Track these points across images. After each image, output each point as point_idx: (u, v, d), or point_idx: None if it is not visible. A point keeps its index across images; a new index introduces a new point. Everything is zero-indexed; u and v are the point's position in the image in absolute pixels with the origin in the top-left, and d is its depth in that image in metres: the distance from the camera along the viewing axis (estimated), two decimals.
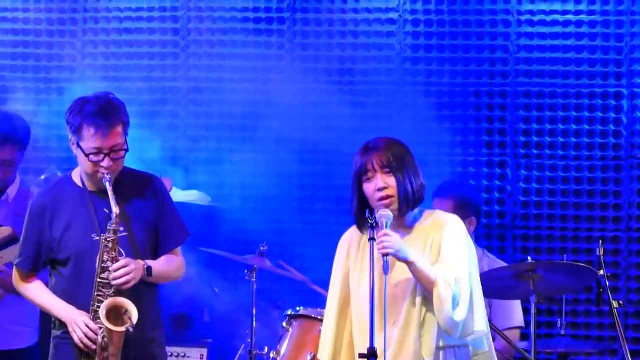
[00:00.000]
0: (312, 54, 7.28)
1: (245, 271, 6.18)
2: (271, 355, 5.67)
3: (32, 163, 7.10)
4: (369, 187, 4.36)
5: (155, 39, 7.38)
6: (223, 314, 6.84)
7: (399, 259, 4.23)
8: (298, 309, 5.70)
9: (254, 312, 6.10)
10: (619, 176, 7.07)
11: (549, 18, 7.16)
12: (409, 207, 4.36)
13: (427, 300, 4.28)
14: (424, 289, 4.26)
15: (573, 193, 7.11)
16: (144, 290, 4.67)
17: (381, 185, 4.32)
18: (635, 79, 7.08)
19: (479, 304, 4.35)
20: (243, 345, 6.25)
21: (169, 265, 4.75)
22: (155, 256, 4.73)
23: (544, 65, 7.16)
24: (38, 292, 4.75)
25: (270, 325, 6.50)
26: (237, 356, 6.29)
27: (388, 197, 4.32)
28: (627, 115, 7.09)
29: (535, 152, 7.15)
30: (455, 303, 4.21)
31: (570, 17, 7.14)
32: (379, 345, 4.11)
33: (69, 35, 7.42)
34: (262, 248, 6.40)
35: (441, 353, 4.31)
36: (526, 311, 6.35)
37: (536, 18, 7.17)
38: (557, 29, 7.15)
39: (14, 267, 4.81)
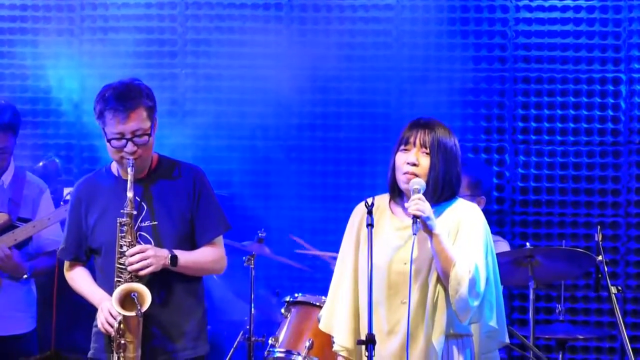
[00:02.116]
0: (310, 40, 7.26)
1: (244, 257, 6.18)
2: (269, 341, 5.66)
3: (30, 150, 7.11)
4: (400, 157, 4.24)
5: (153, 26, 7.36)
6: (221, 300, 6.84)
7: (426, 227, 4.10)
8: (296, 295, 5.70)
9: (252, 298, 6.09)
10: (618, 161, 7.07)
11: (547, 3, 7.14)
12: (433, 194, 4.21)
13: (440, 283, 4.18)
14: (439, 268, 4.14)
15: (571, 178, 7.10)
16: (177, 285, 4.60)
17: (412, 160, 4.20)
18: (634, 64, 7.07)
19: (492, 294, 4.24)
20: (241, 332, 6.24)
21: (201, 257, 4.64)
22: (191, 247, 4.64)
23: (542, 51, 7.14)
24: (79, 280, 4.73)
25: (268, 312, 6.51)
26: (236, 343, 6.28)
27: (414, 174, 4.19)
28: (625, 100, 7.08)
29: (533, 137, 7.14)
30: (472, 287, 4.10)
31: (568, 2, 7.12)
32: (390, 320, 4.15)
33: (67, 22, 7.39)
34: (260, 234, 6.41)
35: (448, 341, 4.22)
36: (525, 297, 6.36)
37: (534, 3, 7.15)
38: (556, 14, 7.13)
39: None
